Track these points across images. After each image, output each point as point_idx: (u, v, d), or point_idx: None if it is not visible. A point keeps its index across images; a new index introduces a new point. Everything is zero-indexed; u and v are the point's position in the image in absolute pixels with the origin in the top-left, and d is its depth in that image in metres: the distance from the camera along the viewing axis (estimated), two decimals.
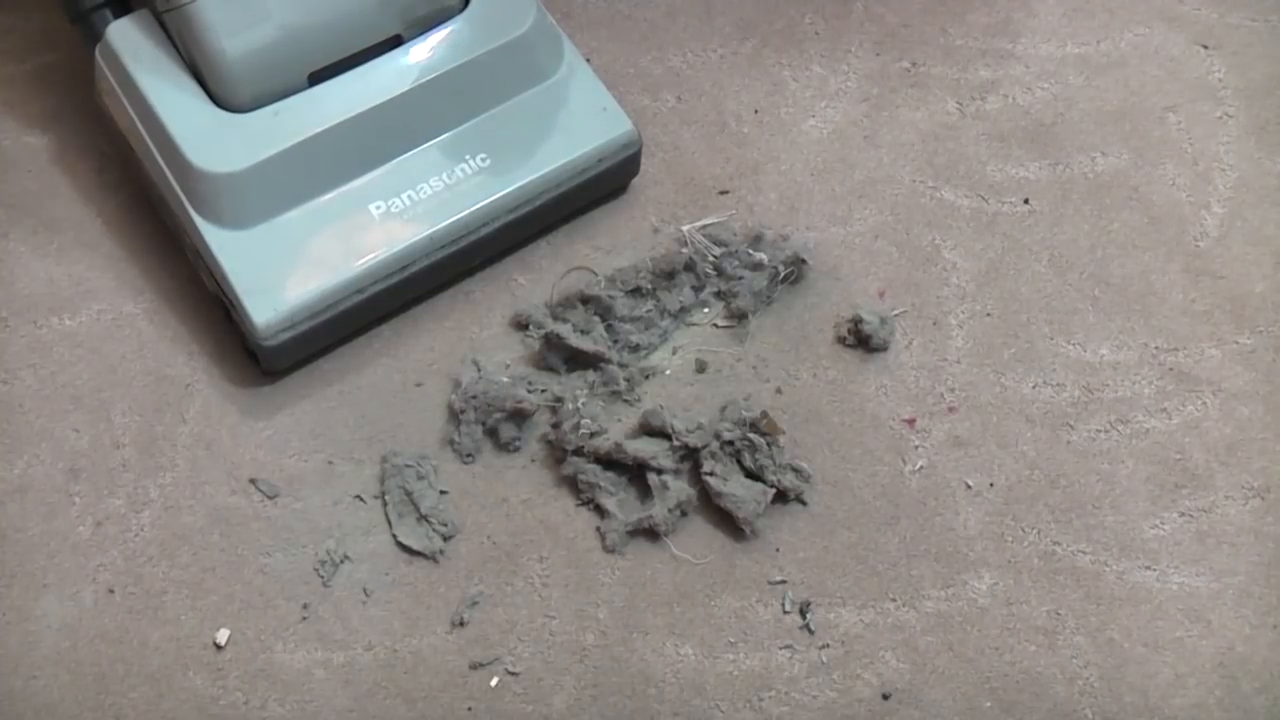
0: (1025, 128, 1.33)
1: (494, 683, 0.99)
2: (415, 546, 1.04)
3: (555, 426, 1.09)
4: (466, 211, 1.13)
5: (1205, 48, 1.39)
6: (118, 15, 1.12)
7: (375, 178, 1.12)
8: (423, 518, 1.05)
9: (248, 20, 1.06)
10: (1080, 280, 1.22)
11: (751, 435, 1.07)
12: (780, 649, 1.01)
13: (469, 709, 0.98)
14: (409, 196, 1.12)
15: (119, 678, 0.99)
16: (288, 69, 1.09)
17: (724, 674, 1.00)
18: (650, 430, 1.09)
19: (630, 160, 1.21)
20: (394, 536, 1.05)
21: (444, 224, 1.12)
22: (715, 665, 1.01)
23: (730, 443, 1.07)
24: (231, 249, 1.08)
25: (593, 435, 1.07)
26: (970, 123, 1.33)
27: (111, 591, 1.03)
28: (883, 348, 1.16)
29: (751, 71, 1.36)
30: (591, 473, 1.07)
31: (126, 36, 1.10)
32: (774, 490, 1.06)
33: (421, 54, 1.13)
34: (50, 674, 0.99)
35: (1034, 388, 1.15)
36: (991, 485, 1.09)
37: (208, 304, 1.17)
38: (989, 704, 0.99)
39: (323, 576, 1.04)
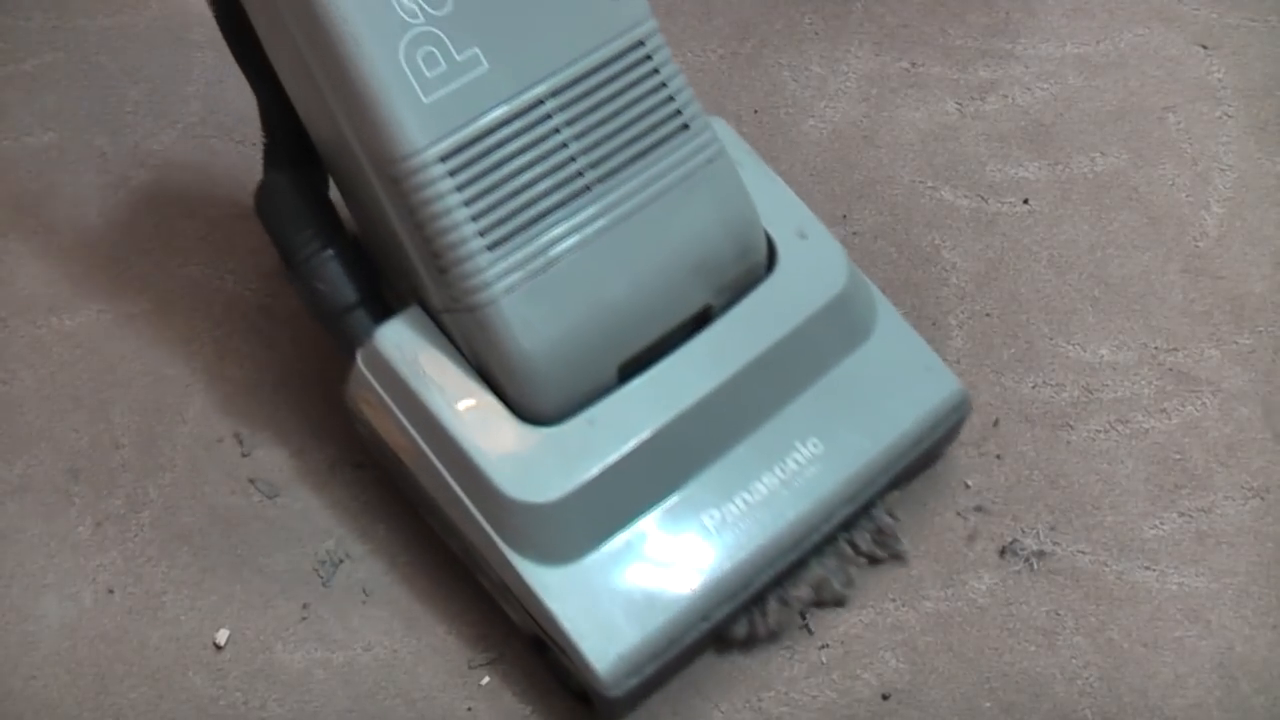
0: (1025, 128, 1.33)
1: (494, 683, 0.99)
2: None
3: None
4: (806, 509, 0.97)
5: (1205, 48, 1.39)
6: (375, 314, 0.97)
7: (704, 483, 0.96)
8: None
9: (551, 315, 0.90)
10: (1080, 280, 1.22)
11: None
12: (780, 649, 1.01)
13: (469, 709, 0.98)
14: (743, 500, 0.96)
15: (119, 678, 0.99)
16: (597, 365, 0.94)
17: (724, 674, 1.00)
18: None
19: (960, 422, 1.06)
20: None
21: (784, 527, 0.96)
22: (715, 665, 1.00)
23: None
24: (559, 588, 0.91)
25: None
26: (970, 123, 1.33)
27: (111, 591, 1.03)
28: None
29: (751, 71, 1.36)
30: None
31: (399, 341, 0.93)
32: None
33: (736, 330, 0.97)
34: (50, 674, 0.99)
35: (1034, 388, 1.15)
36: (992, 485, 1.09)
37: (207, 304, 1.17)
38: (988, 704, 0.99)
39: (322, 576, 1.04)
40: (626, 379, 0.95)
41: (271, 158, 1.02)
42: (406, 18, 0.86)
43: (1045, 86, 1.36)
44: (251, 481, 1.08)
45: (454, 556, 1.02)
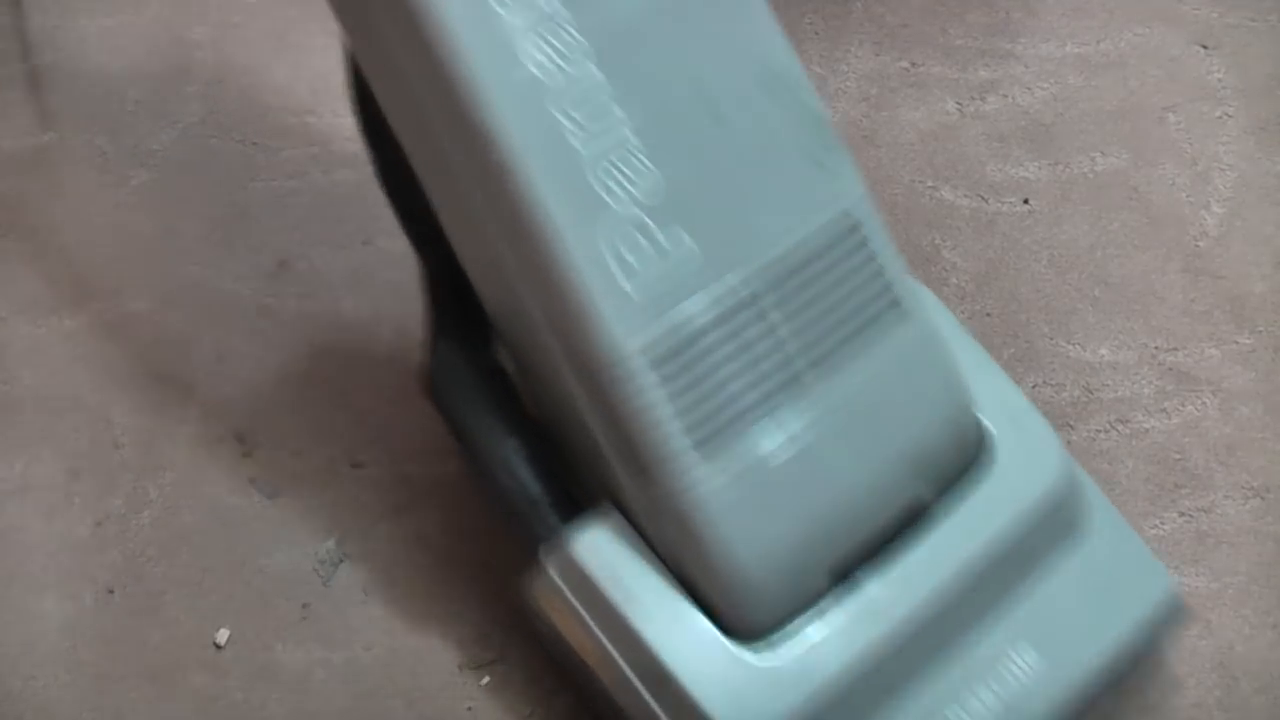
0: (1025, 128, 1.33)
1: (494, 683, 0.99)
2: None
3: None
4: None
5: (1205, 48, 1.39)
6: (561, 509, 0.88)
7: (919, 700, 0.86)
8: None
9: (762, 519, 0.82)
10: (1080, 280, 1.22)
11: None
12: None
13: (469, 709, 0.98)
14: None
15: (119, 678, 0.99)
16: (809, 570, 0.84)
17: None
18: None
19: (1175, 625, 0.97)
20: None
21: None
22: None
23: None
24: None
25: None
26: (970, 123, 1.33)
27: (111, 591, 1.03)
28: None
29: None
30: None
31: (594, 547, 0.85)
32: None
33: (953, 527, 0.88)
34: (50, 674, 0.99)
35: (1034, 388, 1.15)
36: None
37: (207, 304, 1.17)
38: None
39: (322, 576, 1.04)
40: (836, 578, 0.86)
41: (438, 328, 0.93)
42: (613, 204, 0.78)
43: (1045, 86, 1.36)
44: (251, 481, 1.08)
45: (454, 557, 1.02)
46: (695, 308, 0.80)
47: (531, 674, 0.99)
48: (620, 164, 0.79)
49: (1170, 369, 1.16)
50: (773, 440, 0.81)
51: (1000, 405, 0.93)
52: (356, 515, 1.07)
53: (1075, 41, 1.40)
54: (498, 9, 0.76)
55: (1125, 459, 1.11)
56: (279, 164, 1.28)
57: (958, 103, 1.34)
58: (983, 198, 1.27)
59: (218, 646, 1.00)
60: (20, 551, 1.04)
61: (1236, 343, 1.18)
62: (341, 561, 1.04)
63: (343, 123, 1.31)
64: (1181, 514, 1.08)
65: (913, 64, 1.37)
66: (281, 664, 1.00)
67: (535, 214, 0.77)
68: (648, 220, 0.79)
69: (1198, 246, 1.24)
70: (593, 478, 0.87)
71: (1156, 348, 1.18)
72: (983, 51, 1.39)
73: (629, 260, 0.78)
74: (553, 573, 0.86)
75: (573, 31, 0.78)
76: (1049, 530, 0.91)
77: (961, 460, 0.90)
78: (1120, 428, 1.13)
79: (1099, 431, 1.12)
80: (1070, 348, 1.18)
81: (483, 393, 0.91)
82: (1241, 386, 1.15)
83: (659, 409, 0.79)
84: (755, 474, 0.81)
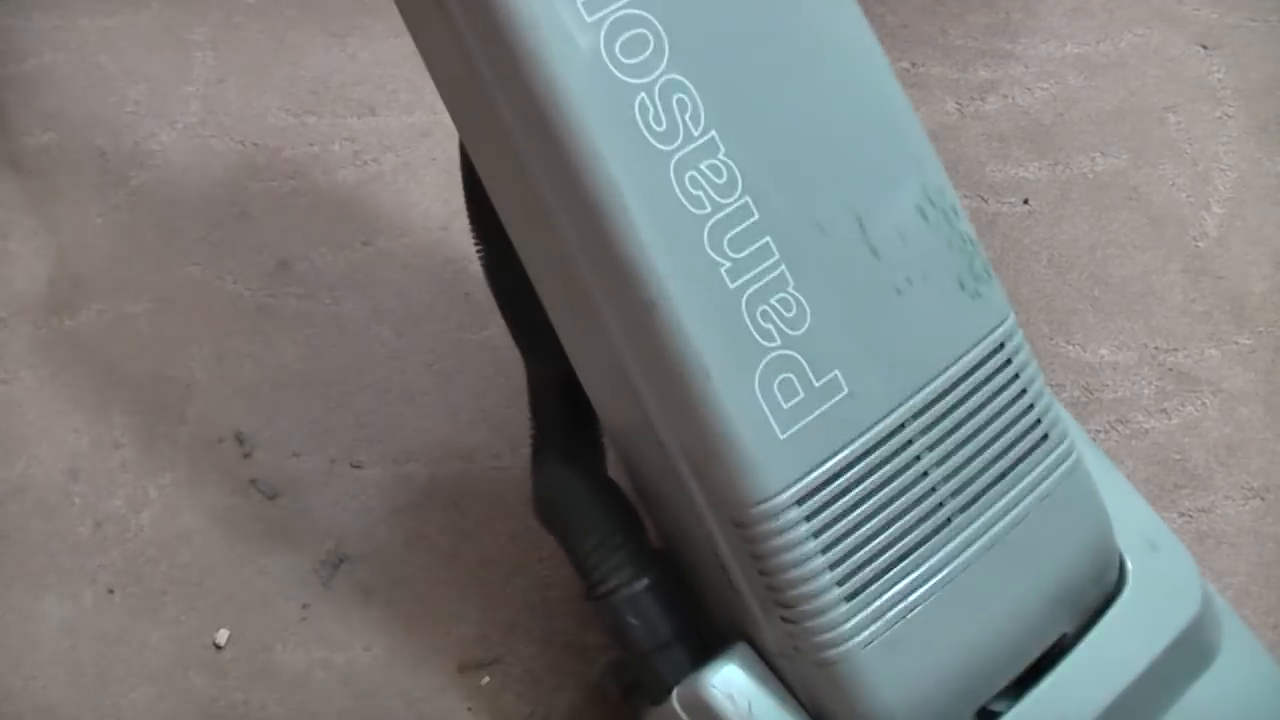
0: (1025, 128, 1.33)
1: (494, 683, 0.99)
2: None
3: None
4: None
5: (1205, 48, 1.39)
6: (690, 648, 0.84)
7: None
8: None
9: (911, 667, 0.79)
10: (1080, 280, 1.22)
11: None
12: None
13: (469, 709, 0.98)
14: None
15: (119, 678, 0.99)
16: (956, 714, 0.82)
17: None
18: None
19: None
20: None
21: None
22: None
23: None
24: None
25: None
26: (970, 123, 1.33)
27: (111, 591, 1.03)
28: None
29: None
30: None
31: (731, 692, 0.81)
32: None
33: (1094, 662, 0.85)
34: (50, 674, 0.99)
35: None
36: None
37: (207, 304, 1.17)
38: None
39: (322, 577, 1.04)
40: (979, 717, 0.84)
41: (546, 443, 0.89)
42: (766, 344, 0.74)
43: (1045, 86, 1.36)
44: (251, 482, 1.08)
45: (454, 557, 1.02)
46: (848, 451, 0.76)
47: (531, 674, 0.99)
48: (774, 300, 0.75)
49: (1170, 369, 1.16)
50: (922, 583, 0.78)
51: (1138, 533, 0.90)
52: (356, 515, 1.07)
53: (1075, 42, 1.40)
54: (649, 139, 0.72)
55: (1125, 459, 1.11)
56: (279, 164, 1.28)
57: (958, 103, 1.34)
58: (983, 198, 1.27)
59: (218, 647, 1.00)
60: (20, 551, 1.04)
61: (1236, 343, 1.18)
62: (341, 562, 1.04)
63: (343, 123, 1.31)
64: (1181, 514, 1.08)
65: (913, 64, 1.37)
66: (281, 664, 1.00)
67: (685, 355, 0.73)
68: (801, 359, 0.75)
69: (1198, 246, 1.24)
70: (723, 613, 0.84)
71: (1156, 348, 1.18)
72: (983, 51, 1.39)
73: (781, 403, 0.74)
74: (683, 714, 0.82)
75: (727, 161, 0.74)
76: (1188, 660, 0.89)
77: (1104, 593, 0.87)
78: (1120, 428, 1.13)
79: (1099, 432, 1.12)
80: (1070, 348, 1.18)
81: (604, 522, 0.86)
82: (1241, 387, 1.15)
83: (808, 556, 0.75)
84: (903, 618, 0.78)
